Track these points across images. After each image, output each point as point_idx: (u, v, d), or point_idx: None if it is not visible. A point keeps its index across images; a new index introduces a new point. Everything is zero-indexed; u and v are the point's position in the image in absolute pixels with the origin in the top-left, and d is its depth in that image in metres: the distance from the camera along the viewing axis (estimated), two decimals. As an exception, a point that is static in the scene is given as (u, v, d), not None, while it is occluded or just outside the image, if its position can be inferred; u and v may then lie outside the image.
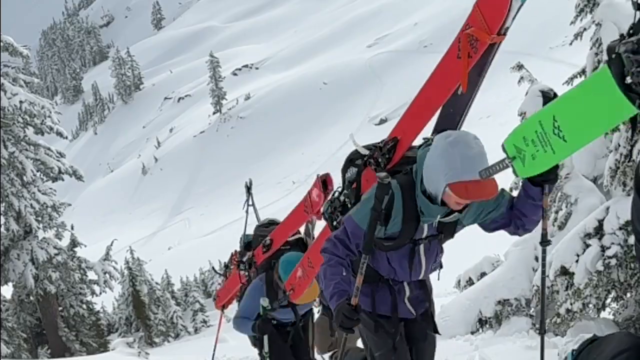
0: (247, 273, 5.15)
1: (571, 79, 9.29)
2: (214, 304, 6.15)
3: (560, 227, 8.32)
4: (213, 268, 6.59)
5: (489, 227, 3.03)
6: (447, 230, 3.04)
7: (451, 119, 2.98)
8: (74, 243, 19.39)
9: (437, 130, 2.98)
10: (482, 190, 2.61)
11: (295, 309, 4.94)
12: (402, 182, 2.87)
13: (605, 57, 8.34)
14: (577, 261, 6.83)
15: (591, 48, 8.63)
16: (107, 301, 24.97)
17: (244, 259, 5.15)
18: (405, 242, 2.99)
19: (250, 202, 6.07)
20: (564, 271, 6.99)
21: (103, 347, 20.43)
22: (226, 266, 6.26)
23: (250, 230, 5.54)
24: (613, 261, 6.54)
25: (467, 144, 2.63)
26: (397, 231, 2.93)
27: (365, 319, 3.16)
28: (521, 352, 6.98)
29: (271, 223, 5.17)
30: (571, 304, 6.94)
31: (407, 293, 3.23)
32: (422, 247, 3.05)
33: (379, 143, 3.12)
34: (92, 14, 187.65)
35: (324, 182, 4.20)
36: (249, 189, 6.06)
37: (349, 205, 3.25)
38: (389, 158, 3.07)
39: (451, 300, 11.42)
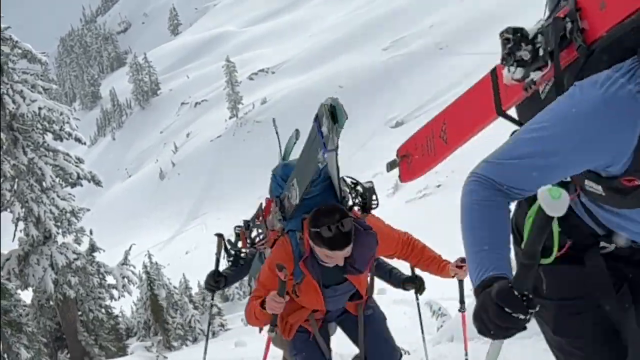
0: None
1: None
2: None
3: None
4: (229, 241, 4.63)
5: None
6: None
7: None
8: (92, 248, 19.54)
9: None
10: None
11: None
12: None
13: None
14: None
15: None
16: (126, 305, 25.09)
17: None
18: None
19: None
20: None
21: (122, 351, 20.57)
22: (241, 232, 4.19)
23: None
24: (633, 263, 6.46)
25: None
26: None
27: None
28: (540, 354, 6.92)
29: None
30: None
31: None
32: None
33: None
34: (109, 21, 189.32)
35: None
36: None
37: None
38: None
39: (469, 302, 11.35)
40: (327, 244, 3.18)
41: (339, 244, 3.18)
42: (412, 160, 2.85)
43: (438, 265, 3.83)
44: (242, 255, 4.53)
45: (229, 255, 4.56)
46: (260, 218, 3.89)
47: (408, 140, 2.90)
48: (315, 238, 3.22)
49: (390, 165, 3.06)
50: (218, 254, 4.65)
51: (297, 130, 4.73)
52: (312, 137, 3.25)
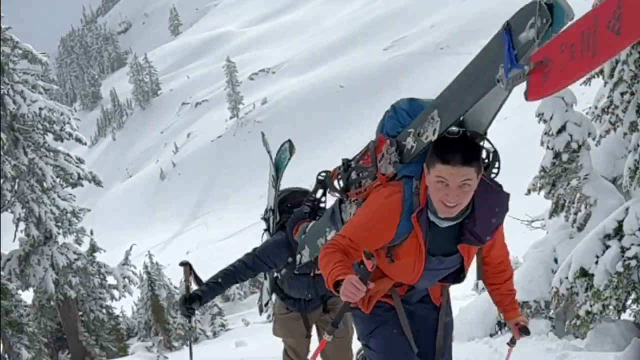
0: None
1: (589, 79, 9.15)
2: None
3: (580, 228, 8.26)
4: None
5: None
6: None
7: None
8: (93, 248, 19.54)
9: None
10: None
11: None
12: None
13: (622, 57, 8.23)
14: (596, 262, 6.78)
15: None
16: (127, 305, 25.10)
17: None
18: None
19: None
20: (584, 272, 6.93)
21: (122, 351, 20.56)
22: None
23: None
24: (633, 262, 6.48)
25: None
26: None
27: None
28: (541, 354, 6.92)
29: None
30: (591, 306, 6.87)
31: None
32: None
33: None
34: (109, 21, 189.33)
35: None
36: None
37: None
38: None
39: (469, 302, 11.36)
40: (440, 152, 2.48)
41: (456, 155, 2.45)
42: (552, 67, 2.02)
43: (508, 304, 3.25)
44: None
45: (199, 284, 4.18)
46: (368, 159, 2.95)
47: (549, 41, 2.05)
48: (431, 151, 2.53)
49: (512, 81, 2.12)
50: (187, 281, 4.26)
51: (290, 142, 4.46)
52: (488, 51, 2.29)
